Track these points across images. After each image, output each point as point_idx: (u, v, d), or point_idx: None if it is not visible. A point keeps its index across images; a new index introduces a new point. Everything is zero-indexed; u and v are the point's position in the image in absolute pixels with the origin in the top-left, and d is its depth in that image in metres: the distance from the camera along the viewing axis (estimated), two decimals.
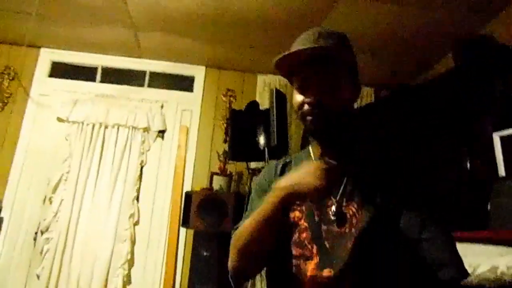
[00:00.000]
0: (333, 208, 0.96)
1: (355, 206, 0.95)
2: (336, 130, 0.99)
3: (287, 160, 1.13)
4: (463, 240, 1.58)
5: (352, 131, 1.03)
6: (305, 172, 0.88)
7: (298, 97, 0.99)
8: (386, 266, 0.90)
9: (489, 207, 1.67)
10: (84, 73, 3.60)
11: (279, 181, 0.93)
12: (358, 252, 0.91)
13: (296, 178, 0.89)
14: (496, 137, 1.69)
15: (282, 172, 1.09)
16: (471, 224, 1.63)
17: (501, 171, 1.66)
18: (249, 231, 0.94)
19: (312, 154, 1.06)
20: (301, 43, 0.98)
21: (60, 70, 3.58)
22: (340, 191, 0.98)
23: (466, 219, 1.66)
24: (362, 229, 0.92)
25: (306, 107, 0.96)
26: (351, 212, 0.95)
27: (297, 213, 1.00)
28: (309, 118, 0.97)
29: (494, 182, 1.67)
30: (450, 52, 2.58)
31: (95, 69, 3.62)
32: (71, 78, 3.56)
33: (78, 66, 3.61)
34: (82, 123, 3.37)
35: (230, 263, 1.00)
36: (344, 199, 0.97)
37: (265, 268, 1.05)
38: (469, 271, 1.37)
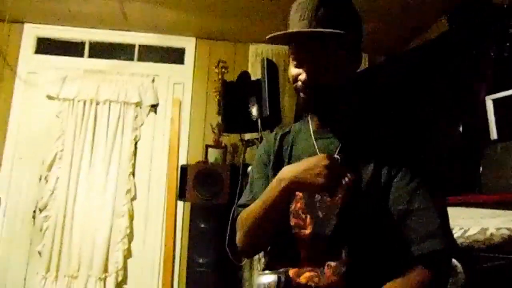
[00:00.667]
0: None
1: (348, 176, 0.94)
2: (329, 107, 0.98)
3: (286, 130, 1.12)
4: (455, 204, 1.61)
5: (346, 104, 1.01)
6: (309, 166, 0.88)
7: (293, 70, 0.97)
8: (373, 236, 0.90)
9: (481, 170, 1.68)
10: (72, 49, 3.51)
11: (283, 170, 0.93)
12: (344, 221, 0.91)
13: (301, 171, 0.89)
14: (489, 100, 1.68)
15: (281, 142, 1.08)
16: (464, 188, 1.65)
17: (493, 134, 1.66)
18: (256, 215, 0.97)
19: (310, 125, 1.06)
20: (298, 15, 0.92)
21: (46, 46, 3.49)
22: None
23: (458, 183, 1.68)
24: (345, 198, 0.92)
25: (299, 83, 0.94)
26: (343, 182, 0.95)
27: None
28: (302, 95, 0.96)
29: (486, 145, 1.68)
30: (444, 15, 2.53)
31: (83, 44, 3.52)
32: (59, 54, 3.48)
33: (65, 42, 3.51)
34: (73, 100, 3.33)
35: (239, 242, 1.04)
36: None
37: None
38: (460, 233, 1.41)
